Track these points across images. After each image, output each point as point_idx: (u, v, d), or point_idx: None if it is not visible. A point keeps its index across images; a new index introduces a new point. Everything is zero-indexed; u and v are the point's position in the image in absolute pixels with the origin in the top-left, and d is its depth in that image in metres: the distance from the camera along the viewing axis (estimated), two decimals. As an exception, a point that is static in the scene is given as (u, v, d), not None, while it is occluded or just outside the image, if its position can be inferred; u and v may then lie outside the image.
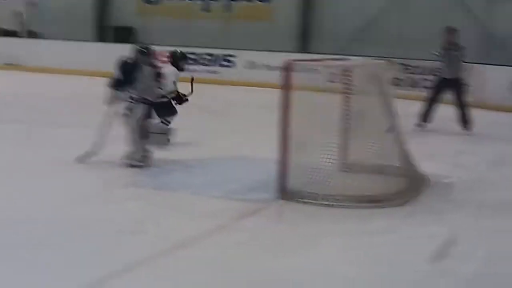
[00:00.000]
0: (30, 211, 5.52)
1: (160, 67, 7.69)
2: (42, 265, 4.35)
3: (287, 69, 6.02)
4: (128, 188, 6.54)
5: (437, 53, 10.44)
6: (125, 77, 7.15)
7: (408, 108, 9.32)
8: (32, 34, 20.11)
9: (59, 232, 5.02)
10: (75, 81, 15.03)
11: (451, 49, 10.28)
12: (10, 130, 8.99)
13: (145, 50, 7.36)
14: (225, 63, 17.60)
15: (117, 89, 7.20)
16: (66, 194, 6.15)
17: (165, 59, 8.71)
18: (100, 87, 7.53)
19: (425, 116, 10.40)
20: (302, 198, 6.04)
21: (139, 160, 7.20)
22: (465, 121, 10.32)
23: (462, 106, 10.37)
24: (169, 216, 5.61)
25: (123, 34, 18.58)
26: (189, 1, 19.90)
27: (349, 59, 8.48)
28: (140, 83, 7.18)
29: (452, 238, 5.20)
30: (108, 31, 19.27)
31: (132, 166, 7.15)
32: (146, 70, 7.24)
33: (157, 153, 7.67)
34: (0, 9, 20.86)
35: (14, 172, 6.86)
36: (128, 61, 7.24)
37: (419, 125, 10.33)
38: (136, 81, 7.16)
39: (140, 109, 7.18)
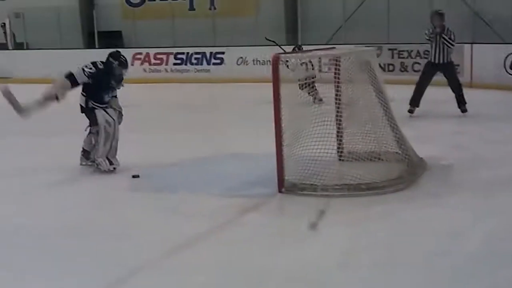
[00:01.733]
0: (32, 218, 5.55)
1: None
2: (39, 271, 4.39)
3: (276, 63, 6.02)
4: (125, 191, 6.54)
5: (428, 33, 10.32)
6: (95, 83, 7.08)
7: (400, 93, 9.33)
8: (19, 45, 20.07)
9: (60, 238, 5.04)
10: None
11: (439, 32, 10.24)
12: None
13: (123, 59, 7.27)
14: (215, 60, 17.65)
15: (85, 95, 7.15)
16: (63, 200, 6.18)
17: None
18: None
19: (415, 101, 10.40)
20: (301, 191, 6.06)
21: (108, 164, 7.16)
22: (460, 102, 10.32)
23: (455, 89, 10.37)
24: (169, 217, 5.61)
25: (111, 39, 18.56)
26: (172, 1, 19.88)
27: (335, 47, 8.50)
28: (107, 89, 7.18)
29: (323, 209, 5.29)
30: (96, 37, 19.23)
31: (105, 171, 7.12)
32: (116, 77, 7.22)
33: (154, 154, 7.68)
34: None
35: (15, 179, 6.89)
36: (99, 66, 7.14)
37: (410, 110, 10.33)
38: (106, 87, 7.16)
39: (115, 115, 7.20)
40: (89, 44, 19.95)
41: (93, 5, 20.65)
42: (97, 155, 7.07)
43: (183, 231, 5.16)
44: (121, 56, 7.22)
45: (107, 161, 7.08)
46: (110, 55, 7.21)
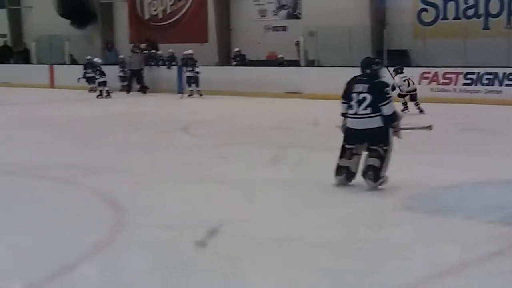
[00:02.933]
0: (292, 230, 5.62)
1: None
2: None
3: None
4: (398, 211, 6.34)
5: None
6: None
7: None
8: (310, 63, 20.91)
9: (324, 254, 5.02)
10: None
11: None
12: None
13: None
14: (508, 82, 16.62)
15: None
16: (334, 216, 6.17)
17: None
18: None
19: None
20: None
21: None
22: None
23: None
24: (438, 241, 5.32)
25: (398, 58, 18.48)
26: (466, 20, 19.19)
27: None
28: None
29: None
30: (384, 55, 19.30)
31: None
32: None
33: (431, 176, 7.38)
34: (281, 40, 22.17)
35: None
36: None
37: None
38: None
39: None
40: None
41: (384, 24, 20.78)
42: (383, 173, 6.93)
43: (449, 256, 4.86)
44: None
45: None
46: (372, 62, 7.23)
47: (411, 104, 14.71)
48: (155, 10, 25.59)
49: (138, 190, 7.13)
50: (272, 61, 21.40)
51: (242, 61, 22.49)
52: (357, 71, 7.15)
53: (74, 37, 25.91)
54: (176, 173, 8.05)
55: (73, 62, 25.72)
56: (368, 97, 6.87)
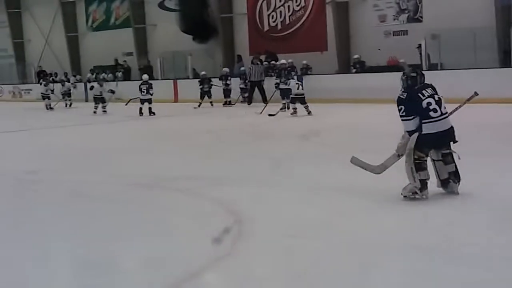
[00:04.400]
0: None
1: None
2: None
3: None
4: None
5: None
6: None
7: None
8: (432, 66, 20.37)
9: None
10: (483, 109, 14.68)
11: None
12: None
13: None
14: None
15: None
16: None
17: None
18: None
19: None
20: None
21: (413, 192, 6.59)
22: None
23: None
24: None
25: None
26: None
27: None
28: None
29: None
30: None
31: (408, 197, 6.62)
32: None
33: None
34: (402, 44, 21.76)
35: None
36: None
37: None
38: None
39: None
40: (504, 63, 19.30)
41: (510, 23, 19.94)
42: None
43: None
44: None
45: None
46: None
47: (301, 107, 17.15)
48: (274, 22, 25.88)
49: (262, 200, 7.18)
50: (392, 67, 21.07)
51: (362, 68, 22.28)
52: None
53: (196, 51, 26.63)
54: (301, 182, 8.05)
55: (196, 76, 26.49)
56: (441, 98, 6.73)
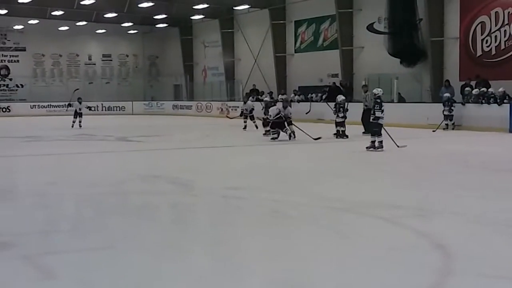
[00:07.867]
0: None
1: None
2: None
3: None
4: None
5: None
6: None
7: None
8: None
9: None
10: None
11: None
12: None
13: None
14: None
15: None
16: None
17: None
18: None
19: None
20: None
21: None
22: None
23: None
24: None
25: None
26: None
27: None
28: None
29: None
30: None
31: None
32: None
33: None
34: None
35: None
36: None
37: None
38: None
39: None
40: None
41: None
42: None
43: None
44: None
45: None
46: None
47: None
48: (488, 46, 24.60)
49: (468, 235, 6.71)
50: None
51: None
52: None
53: (403, 75, 26.13)
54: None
55: (400, 100, 25.95)
56: None
